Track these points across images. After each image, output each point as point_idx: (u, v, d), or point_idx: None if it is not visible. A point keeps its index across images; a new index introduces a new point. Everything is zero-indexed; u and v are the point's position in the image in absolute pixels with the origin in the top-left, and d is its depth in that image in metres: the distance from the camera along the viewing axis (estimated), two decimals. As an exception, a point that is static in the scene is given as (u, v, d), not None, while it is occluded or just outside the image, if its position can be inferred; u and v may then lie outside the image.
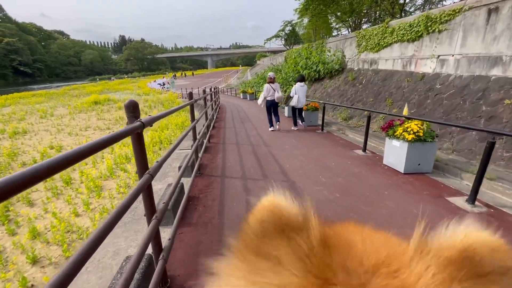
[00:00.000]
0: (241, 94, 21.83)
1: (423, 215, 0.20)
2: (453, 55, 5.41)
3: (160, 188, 3.49)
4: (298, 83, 6.86)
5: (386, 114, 4.86)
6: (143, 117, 1.47)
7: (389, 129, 3.70)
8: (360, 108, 6.66)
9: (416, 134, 3.39)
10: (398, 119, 3.76)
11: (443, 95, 5.20)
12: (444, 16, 5.61)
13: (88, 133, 13.95)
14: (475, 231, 0.19)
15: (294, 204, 0.20)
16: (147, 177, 1.46)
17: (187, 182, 3.34)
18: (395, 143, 3.66)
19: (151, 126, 1.55)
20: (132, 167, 7.82)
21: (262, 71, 24.06)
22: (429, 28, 5.96)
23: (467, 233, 0.19)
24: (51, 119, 18.74)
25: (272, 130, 7.17)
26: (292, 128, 7.45)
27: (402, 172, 3.59)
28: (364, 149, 4.81)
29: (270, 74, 6.97)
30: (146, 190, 1.54)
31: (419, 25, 6.26)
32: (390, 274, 0.17)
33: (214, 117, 8.99)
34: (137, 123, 1.35)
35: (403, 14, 17.70)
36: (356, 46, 10.01)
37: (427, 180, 3.40)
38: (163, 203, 1.84)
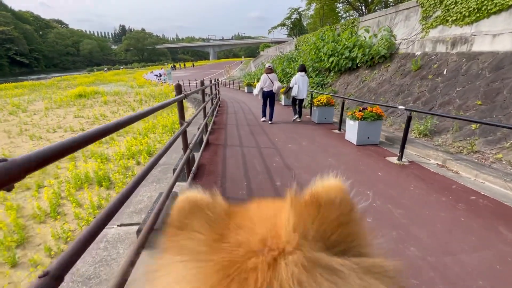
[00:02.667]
0: (246, 87, 18.62)
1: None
2: None
3: None
4: (299, 73, 6.61)
5: None
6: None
7: None
8: None
9: None
10: None
11: None
12: None
13: (54, 136, 10.95)
14: (326, 180, 0.26)
15: (205, 194, 0.28)
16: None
17: None
18: None
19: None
20: (83, 200, 4.88)
21: (270, 60, 20.77)
22: None
23: (320, 182, 0.26)
24: (20, 116, 15.77)
25: (263, 121, 7.09)
26: (293, 118, 7.23)
27: None
28: None
29: (268, 64, 6.87)
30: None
31: None
32: (269, 224, 0.24)
33: (210, 125, 5.91)
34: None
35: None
36: (421, 19, 6.77)
37: None
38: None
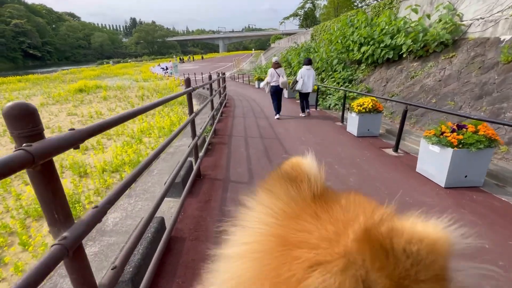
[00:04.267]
0: (256, 82, 16.72)
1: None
2: None
3: None
4: (305, 66, 6.47)
5: None
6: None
7: None
8: None
9: None
10: None
11: None
12: None
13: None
14: (424, 222, 0.19)
15: (312, 166, 0.27)
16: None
17: None
18: None
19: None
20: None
21: (284, 51, 18.68)
22: None
23: (415, 221, 0.19)
24: (11, 113, 14.47)
25: (277, 118, 6.71)
26: (300, 114, 6.98)
27: None
28: None
29: (275, 58, 6.68)
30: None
31: None
32: (346, 226, 0.21)
33: (208, 138, 4.11)
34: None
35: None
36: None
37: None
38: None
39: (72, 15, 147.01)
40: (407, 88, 6.35)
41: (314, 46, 13.20)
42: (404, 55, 7.02)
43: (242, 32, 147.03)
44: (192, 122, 2.89)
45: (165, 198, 2.07)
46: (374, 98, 4.79)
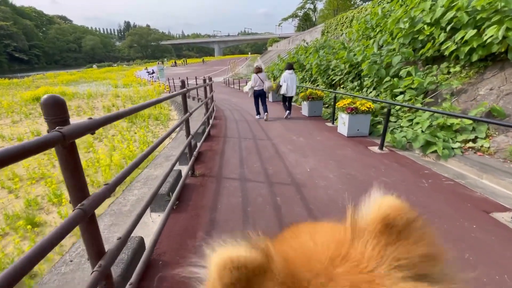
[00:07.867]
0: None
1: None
2: None
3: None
4: (287, 71, 6.62)
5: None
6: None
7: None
8: None
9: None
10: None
11: None
12: None
13: None
14: (385, 200, 0.24)
15: (246, 247, 0.21)
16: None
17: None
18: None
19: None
20: None
21: (293, 52, 14.89)
22: None
23: (380, 204, 0.24)
24: None
25: (259, 118, 7.12)
26: (285, 116, 7.01)
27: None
28: None
29: (257, 64, 7.15)
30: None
31: None
32: (344, 260, 0.21)
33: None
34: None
35: None
36: None
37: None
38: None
39: (63, 18, 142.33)
40: None
41: (342, 41, 9.32)
42: None
43: (237, 36, 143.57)
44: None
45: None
46: None
